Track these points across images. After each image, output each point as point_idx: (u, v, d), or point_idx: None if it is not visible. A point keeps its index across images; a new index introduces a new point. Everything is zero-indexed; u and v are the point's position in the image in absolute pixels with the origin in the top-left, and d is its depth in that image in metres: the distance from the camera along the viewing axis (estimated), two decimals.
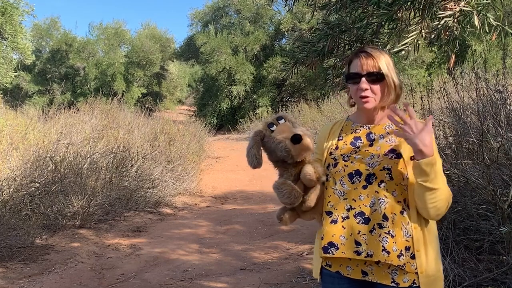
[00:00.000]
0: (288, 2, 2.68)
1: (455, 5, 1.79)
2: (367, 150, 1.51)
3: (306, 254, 4.33)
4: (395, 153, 1.47)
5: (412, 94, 5.62)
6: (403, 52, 2.00)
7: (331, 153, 1.57)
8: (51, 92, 23.51)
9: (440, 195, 1.37)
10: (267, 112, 18.40)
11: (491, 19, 1.80)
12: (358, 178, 1.47)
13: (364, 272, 1.47)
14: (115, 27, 24.46)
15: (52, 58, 23.76)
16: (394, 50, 2.00)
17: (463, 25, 1.84)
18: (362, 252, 1.43)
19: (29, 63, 16.01)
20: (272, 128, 1.54)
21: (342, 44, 2.42)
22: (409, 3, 2.02)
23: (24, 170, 5.46)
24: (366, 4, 2.20)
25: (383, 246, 1.40)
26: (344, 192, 1.49)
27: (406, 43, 1.96)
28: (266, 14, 21.30)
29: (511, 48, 11.21)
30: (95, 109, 9.77)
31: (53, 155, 5.86)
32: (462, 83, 4.29)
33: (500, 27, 1.82)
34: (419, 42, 2.01)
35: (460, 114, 3.64)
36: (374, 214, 1.44)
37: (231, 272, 4.03)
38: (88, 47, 23.57)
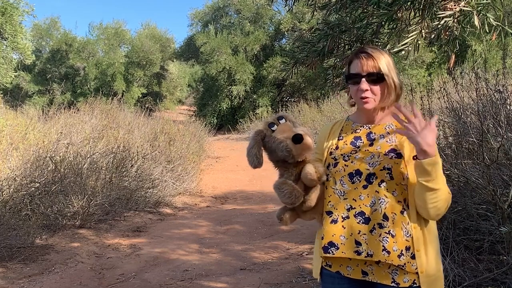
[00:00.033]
0: (288, 2, 2.68)
1: (455, 5, 1.80)
2: (367, 150, 1.51)
3: (306, 254, 4.33)
4: (396, 153, 1.47)
5: (412, 94, 5.61)
6: (403, 52, 2.01)
7: (331, 153, 1.57)
8: (51, 92, 23.52)
9: (440, 195, 1.37)
10: (267, 112, 18.40)
11: (491, 19, 1.81)
12: (359, 178, 1.47)
13: (364, 272, 1.47)
14: (115, 27, 24.47)
15: (52, 58, 23.77)
16: (394, 50, 2.01)
17: (463, 25, 1.84)
18: (362, 252, 1.43)
19: (29, 63, 16.03)
20: (273, 128, 1.54)
21: (342, 44, 2.42)
22: (409, 3, 2.02)
23: (24, 170, 5.46)
24: (366, 4, 2.20)
25: (383, 246, 1.40)
26: (344, 191, 1.49)
27: (406, 43, 1.96)
28: (266, 14, 21.30)
29: (511, 48, 11.21)
30: (95, 109, 9.77)
31: (53, 155, 5.86)
32: (462, 83, 4.28)
33: (500, 27, 1.82)
34: (419, 42, 2.02)
35: (460, 114, 3.64)
36: (375, 214, 1.44)
37: (231, 272, 4.03)
38: (88, 47, 23.58)
